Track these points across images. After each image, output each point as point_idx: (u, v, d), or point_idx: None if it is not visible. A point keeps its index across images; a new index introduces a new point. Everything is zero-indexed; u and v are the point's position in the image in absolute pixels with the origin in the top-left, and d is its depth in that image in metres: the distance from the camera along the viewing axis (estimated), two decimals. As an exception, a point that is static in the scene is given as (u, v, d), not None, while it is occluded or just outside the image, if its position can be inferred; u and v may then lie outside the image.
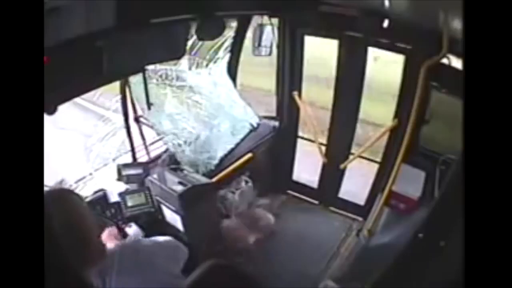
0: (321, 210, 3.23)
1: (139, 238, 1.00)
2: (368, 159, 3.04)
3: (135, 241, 0.97)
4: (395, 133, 2.65)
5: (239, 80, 3.18)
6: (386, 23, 2.14)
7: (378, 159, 2.93)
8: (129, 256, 0.87)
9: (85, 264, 0.78)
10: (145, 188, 2.32)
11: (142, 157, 2.65)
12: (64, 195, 0.86)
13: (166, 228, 2.37)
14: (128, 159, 2.55)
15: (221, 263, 0.91)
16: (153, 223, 2.33)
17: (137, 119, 2.56)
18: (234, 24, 2.86)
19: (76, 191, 2.31)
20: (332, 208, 3.24)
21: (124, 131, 2.52)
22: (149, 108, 2.50)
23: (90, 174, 2.39)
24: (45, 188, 0.78)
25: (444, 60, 2.02)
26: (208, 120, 3.04)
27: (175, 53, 1.90)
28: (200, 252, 2.32)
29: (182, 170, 2.43)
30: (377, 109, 3.68)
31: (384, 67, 3.84)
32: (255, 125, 3.14)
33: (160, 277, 0.88)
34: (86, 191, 2.33)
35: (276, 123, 3.20)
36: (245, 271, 0.90)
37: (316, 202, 3.26)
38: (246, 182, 2.98)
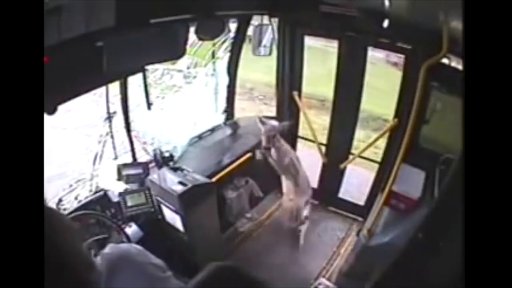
0: (321, 210, 3.23)
1: (114, 246, 0.96)
2: (368, 159, 3.04)
3: (114, 247, 0.94)
4: (395, 133, 2.66)
5: (238, 79, 3.18)
6: (386, 23, 2.14)
7: (378, 159, 2.93)
8: (115, 262, 0.85)
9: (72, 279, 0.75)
10: (145, 188, 2.32)
11: (142, 157, 2.64)
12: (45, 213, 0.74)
13: (166, 228, 2.37)
14: (128, 159, 2.54)
15: (227, 264, 0.89)
16: (153, 223, 2.33)
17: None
18: (234, 24, 2.86)
19: (76, 191, 2.32)
20: (332, 208, 3.25)
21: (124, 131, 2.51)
22: (149, 108, 2.50)
23: (90, 174, 2.38)
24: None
25: (444, 60, 2.02)
26: (206, 120, 3.05)
27: (175, 53, 1.90)
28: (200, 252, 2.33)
29: (182, 170, 2.42)
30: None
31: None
32: (253, 125, 3.14)
33: (148, 272, 0.87)
34: (86, 191, 2.33)
35: (276, 123, 3.20)
36: (250, 273, 0.89)
37: (316, 202, 3.25)
38: (246, 182, 2.98)
